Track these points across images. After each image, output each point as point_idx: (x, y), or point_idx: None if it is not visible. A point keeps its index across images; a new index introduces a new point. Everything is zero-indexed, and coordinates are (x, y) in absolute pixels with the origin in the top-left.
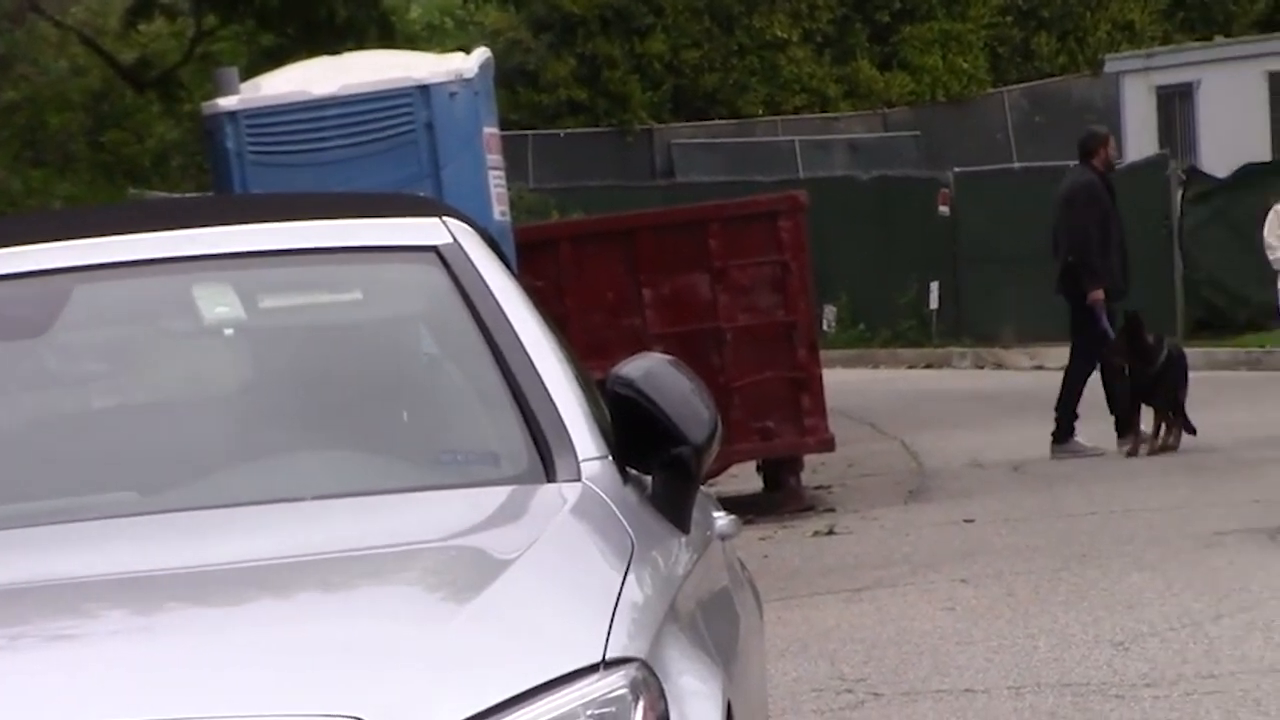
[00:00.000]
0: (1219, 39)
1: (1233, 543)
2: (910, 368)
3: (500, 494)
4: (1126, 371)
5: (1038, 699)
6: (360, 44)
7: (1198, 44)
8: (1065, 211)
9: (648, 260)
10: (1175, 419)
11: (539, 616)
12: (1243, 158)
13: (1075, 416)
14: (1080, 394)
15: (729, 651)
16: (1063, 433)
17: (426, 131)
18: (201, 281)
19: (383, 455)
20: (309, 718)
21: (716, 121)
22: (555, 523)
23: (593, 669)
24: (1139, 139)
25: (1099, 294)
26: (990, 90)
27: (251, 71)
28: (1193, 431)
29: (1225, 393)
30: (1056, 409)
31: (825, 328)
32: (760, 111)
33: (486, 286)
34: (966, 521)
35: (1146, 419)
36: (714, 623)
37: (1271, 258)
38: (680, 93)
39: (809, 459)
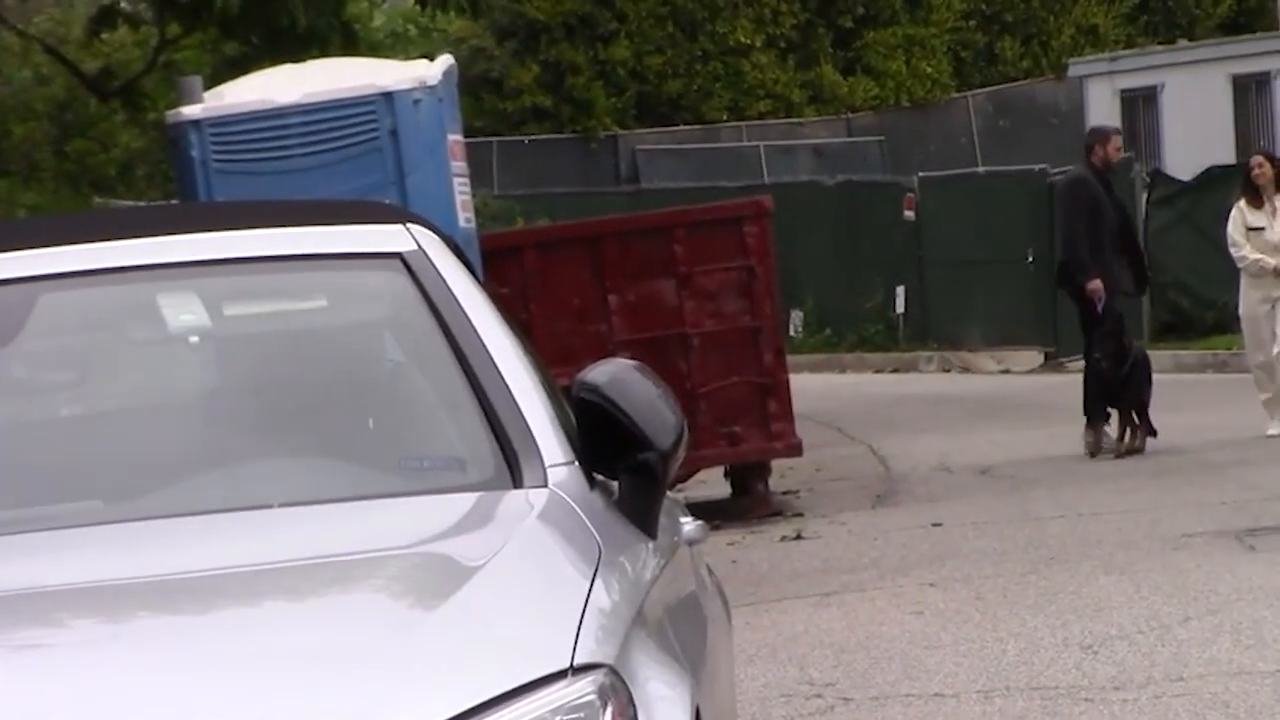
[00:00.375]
0: (1182, 42)
1: (1201, 545)
2: (877, 372)
3: (467, 500)
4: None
5: (1007, 702)
6: (324, 52)
7: (1161, 47)
8: (1056, 208)
9: (613, 266)
10: (1141, 422)
11: (506, 623)
12: (1207, 160)
13: (1105, 408)
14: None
15: (697, 657)
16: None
17: (391, 139)
18: (166, 289)
19: (349, 462)
20: None
21: (681, 127)
22: (522, 529)
23: (561, 675)
24: None
25: (1096, 283)
26: (954, 95)
27: (215, 80)
28: (1154, 434)
29: (1192, 395)
30: (1084, 407)
31: (791, 333)
32: (724, 117)
33: (451, 293)
34: (934, 525)
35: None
36: (682, 628)
37: (1235, 254)
38: (644, 99)
39: (776, 464)
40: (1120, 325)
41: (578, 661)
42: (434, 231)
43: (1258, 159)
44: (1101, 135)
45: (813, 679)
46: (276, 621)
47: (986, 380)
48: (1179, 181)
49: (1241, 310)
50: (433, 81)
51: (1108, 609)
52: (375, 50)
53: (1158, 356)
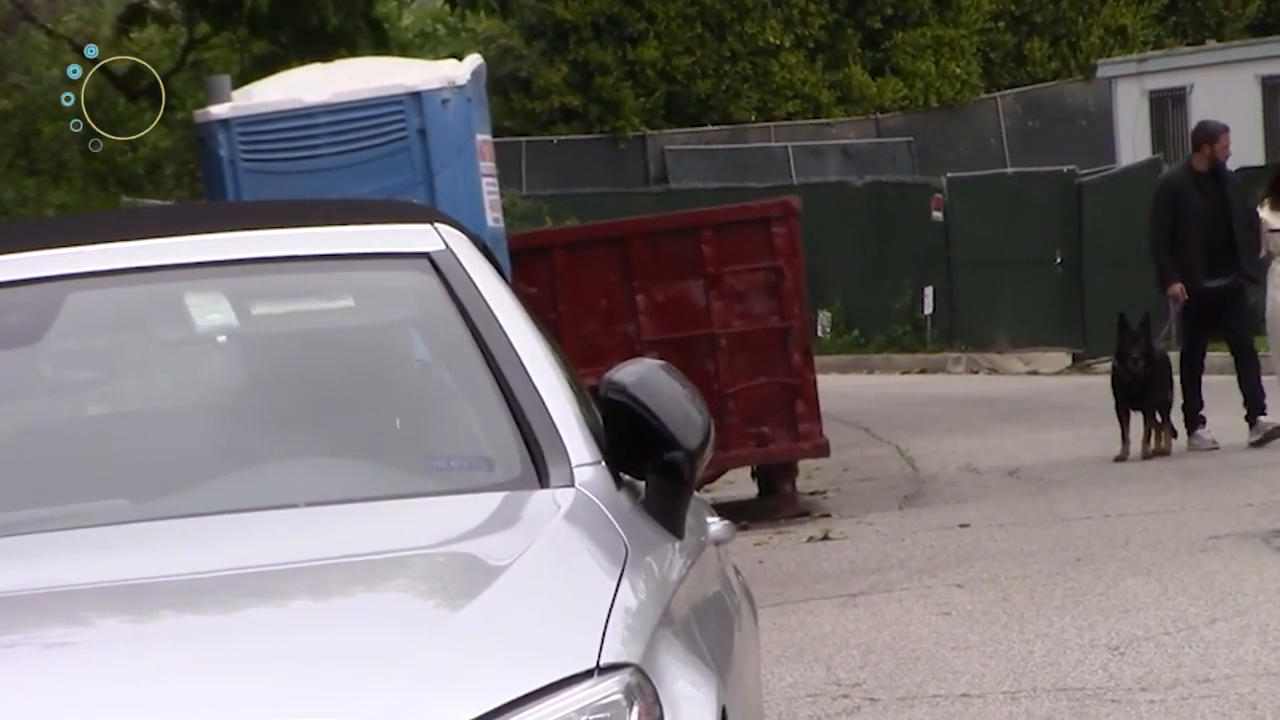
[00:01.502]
0: (1211, 43)
1: (1227, 547)
2: (904, 373)
3: (494, 500)
4: (1122, 375)
5: (1033, 704)
6: (352, 51)
7: (1190, 49)
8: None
9: (641, 266)
10: (1163, 423)
11: (533, 622)
12: (1235, 161)
13: (1199, 407)
14: (1195, 388)
15: (724, 657)
16: (1190, 425)
17: (419, 139)
18: (194, 289)
19: (376, 461)
20: None
21: (709, 128)
22: (549, 529)
23: (587, 675)
24: (1131, 144)
25: (1175, 288)
26: (983, 96)
27: (244, 79)
28: (1175, 435)
29: (1217, 397)
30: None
31: (819, 333)
32: (753, 117)
33: (479, 293)
34: (962, 526)
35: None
36: (708, 628)
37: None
38: (673, 99)
39: (804, 464)
40: (1145, 326)
41: (604, 661)
42: (462, 231)
43: None
44: (1208, 134)
45: (839, 679)
46: (302, 621)
47: (1014, 381)
48: None
49: (1268, 312)
50: (461, 81)
51: (1134, 610)
52: (404, 50)
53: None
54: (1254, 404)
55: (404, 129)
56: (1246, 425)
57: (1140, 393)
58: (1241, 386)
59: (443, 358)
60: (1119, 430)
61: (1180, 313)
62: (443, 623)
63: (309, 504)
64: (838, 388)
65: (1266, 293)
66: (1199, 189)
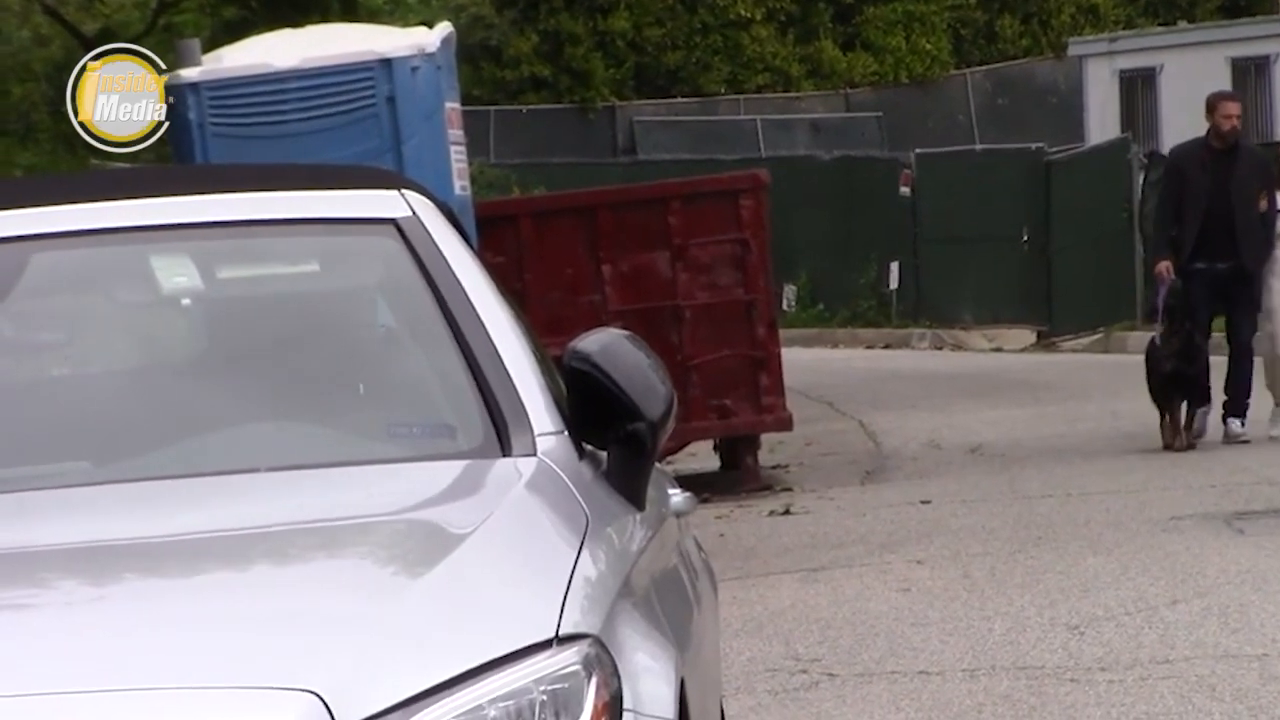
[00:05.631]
0: (1182, 24)
1: (1189, 528)
2: (869, 348)
3: (455, 468)
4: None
5: (992, 681)
6: (323, 17)
7: (1161, 29)
8: None
9: (608, 237)
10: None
11: (493, 591)
12: None
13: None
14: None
15: (683, 629)
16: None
17: (388, 105)
18: (159, 251)
19: (338, 427)
20: (261, 689)
21: (679, 99)
22: (510, 497)
23: (546, 645)
24: (1101, 123)
25: (1159, 266)
26: (953, 72)
27: (214, 44)
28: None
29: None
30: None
31: (785, 307)
32: (722, 90)
33: (445, 260)
34: (923, 502)
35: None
36: (668, 600)
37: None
38: (643, 70)
39: (766, 438)
40: (1176, 313)
41: (563, 632)
42: (429, 198)
43: None
44: (1208, 103)
45: (799, 654)
46: (262, 585)
47: (978, 358)
48: None
49: (1264, 303)
50: (431, 49)
51: (1095, 589)
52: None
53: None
54: (1236, 404)
55: (373, 95)
56: (1222, 422)
57: (1181, 387)
58: (1228, 384)
59: (407, 324)
60: (1161, 420)
61: (1168, 294)
62: (402, 589)
63: (271, 469)
64: (802, 362)
65: (1265, 280)
66: (1206, 165)
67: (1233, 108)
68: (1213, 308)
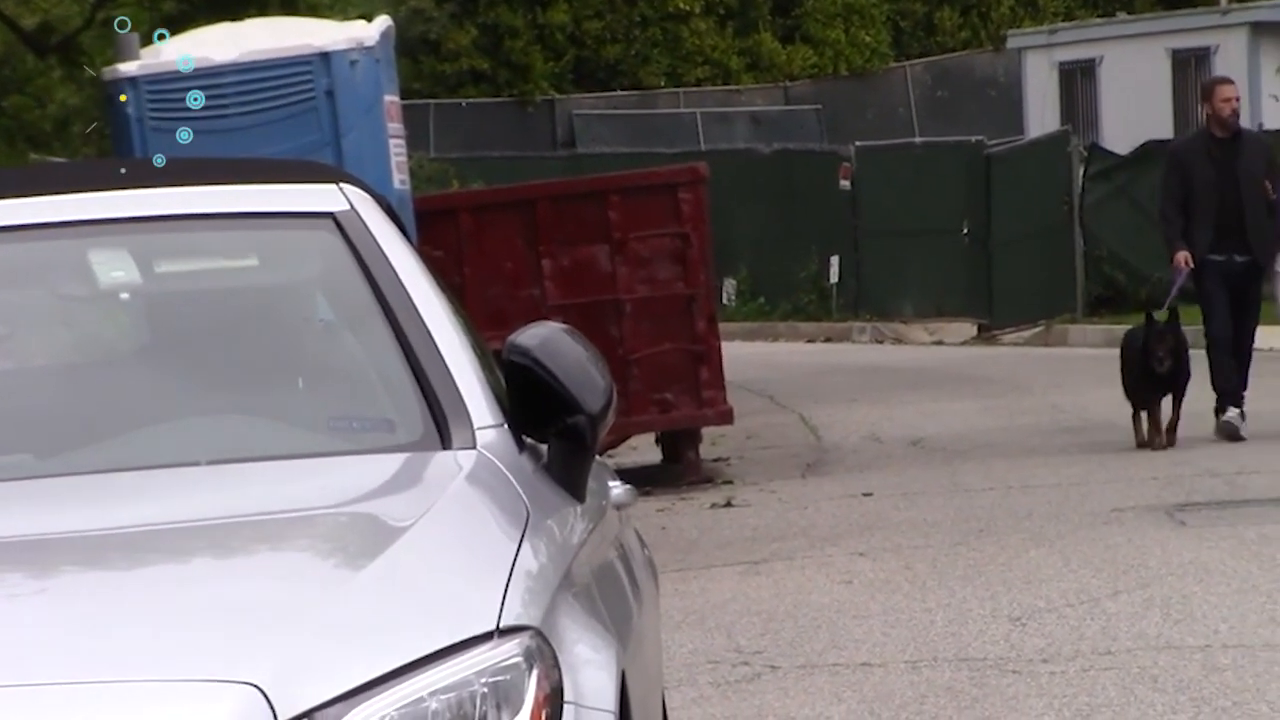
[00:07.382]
0: (1121, 15)
1: (1131, 520)
2: (810, 341)
3: (395, 461)
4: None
5: (934, 673)
6: (262, 11)
7: (1100, 20)
8: None
9: (547, 231)
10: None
11: (433, 584)
12: (1144, 134)
13: (1225, 386)
14: (1220, 364)
15: (624, 622)
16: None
17: (327, 99)
18: (98, 245)
19: (278, 421)
20: (201, 682)
21: (618, 93)
22: (450, 490)
23: (487, 637)
24: (1041, 115)
25: (1178, 257)
26: (892, 64)
27: (153, 37)
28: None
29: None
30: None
31: (725, 300)
32: (662, 83)
33: (383, 254)
34: (865, 495)
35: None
36: (609, 593)
37: None
38: (582, 63)
39: (707, 431)
40: (1175, 312)
41: (504, 624)
42: (368, 192)
43: None
44: (1202, 90)
45: (740, 646)
46: (204, 578)
47: (919, 351)
48: (1116, 155)
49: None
50: (370, 42)
51: (1037, 581)
52: (314, 10)
53: (1090, 331)
54: (1233, 396)
55: (312, 89)
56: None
57: (1167, 385)
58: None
59: (346, 318)
60: (1134, 421)
61: (1182, 286)
62: (344, 582)
63: (212, 462)
64: (742, 355)
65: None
66: (1209, 155)
67: (1230, 90)
68: (1227, 299)
